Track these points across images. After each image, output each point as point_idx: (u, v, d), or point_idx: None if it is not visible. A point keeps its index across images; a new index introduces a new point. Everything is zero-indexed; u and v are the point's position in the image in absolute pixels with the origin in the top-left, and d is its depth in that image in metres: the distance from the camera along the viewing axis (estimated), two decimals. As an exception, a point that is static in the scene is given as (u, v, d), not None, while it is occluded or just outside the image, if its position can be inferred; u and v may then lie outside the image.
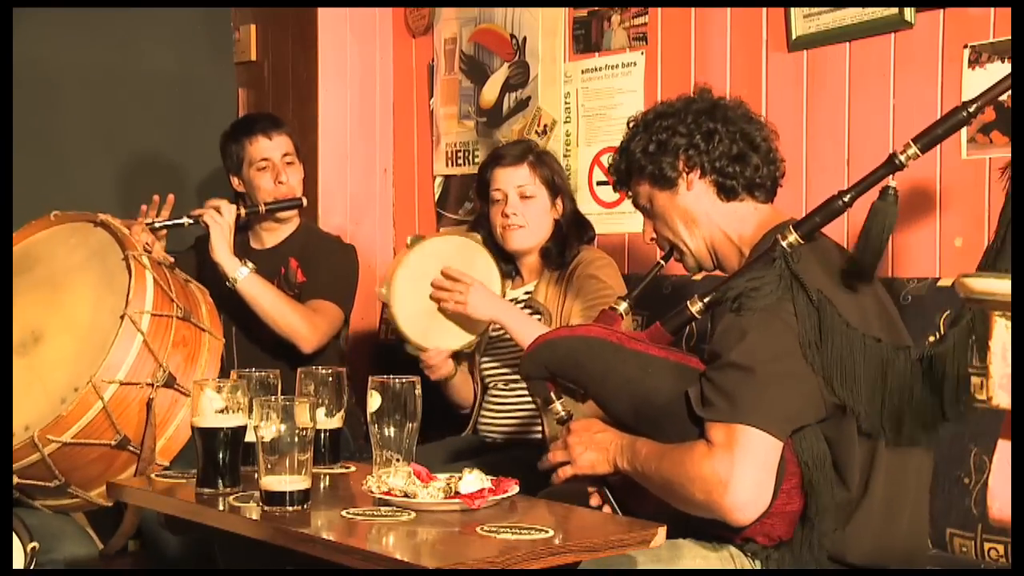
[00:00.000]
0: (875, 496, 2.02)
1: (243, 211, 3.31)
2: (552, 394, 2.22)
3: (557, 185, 3.09)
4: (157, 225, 3.21)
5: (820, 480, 1.96)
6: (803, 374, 1.95)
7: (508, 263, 3.14)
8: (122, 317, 2.69)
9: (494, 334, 3.09)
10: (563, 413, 2.23)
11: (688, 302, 2.15)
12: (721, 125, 2.20)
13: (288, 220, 3.47)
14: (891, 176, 2.01)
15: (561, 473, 2.19)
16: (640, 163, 2.26)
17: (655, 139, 2.23)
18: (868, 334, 1.97)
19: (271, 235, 3.48)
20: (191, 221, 3.25)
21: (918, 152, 1.99)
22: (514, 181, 3.04)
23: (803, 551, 2.00)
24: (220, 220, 3.21)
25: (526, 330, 2.80)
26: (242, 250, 3.42)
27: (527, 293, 3.09)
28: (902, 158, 1.99)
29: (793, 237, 2.02)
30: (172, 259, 3.08)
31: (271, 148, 3.40)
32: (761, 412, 1.91)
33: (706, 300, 2.12)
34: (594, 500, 2.21)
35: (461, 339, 3.05)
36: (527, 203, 3.04)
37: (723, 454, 1.91)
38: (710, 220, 2.23)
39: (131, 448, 2.72)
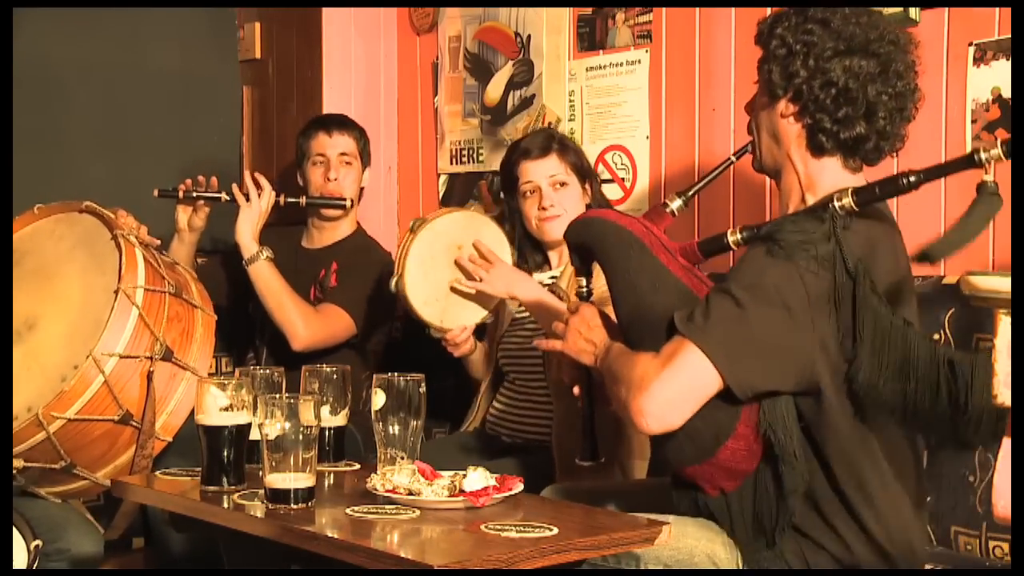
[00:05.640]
0: (872, 484, 2.00)
1: (284, 200, 3.34)
2: (583, 267, 2.27)
3: (585, 169, 3.09)
4: (195, 195, 3.27)
5: (790, 450, 1.94)
6: (797, 335, 1.91)
7: (536, 251, 3.14)
8: (116, 292, 2.70)
9: (518, 315, 3.10)
10: (584, 289, 2.29)
11: (728, 231, 2.12)
12: (852, 80, 2.00)
13: (338, 222, 3.49)
14: (985, 170, 1.87)
15: (551, 343, 2.27)
16: (764, 54, 2.11)
17: (788, 45, 2.05)
18: (899, 315, 1.90)
19: (321, 236, 3.52)
20: (227, 197, 3.28)
21: (1001, 155, 1.86)
22: (545, 172, 3.03)
23: (762, 511, 2.00)
24: (253, 202, 3.24)
25: (543, 305, 2.80)
26: (291, 247, 3.45)
27: (552, 278, 3.09)
28: (983, 156, 1.87)
29: (847, 201, 1.95)
30: (158, 241, 3.10)
31: (328, 144, 3.44)
32: (720, 343, 1.90)
33: (744, 235, 2.09)
34: (576, 391, 2.29)
35: (479, 312, 3.04)
36: (561, 192, 3.03)
37: (658, 363, 1.93)
38: (787, 154, 2.12)
39: (134, 423, 2.72)
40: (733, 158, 2.31)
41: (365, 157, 3.53)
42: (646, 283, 2.05)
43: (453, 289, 2.98)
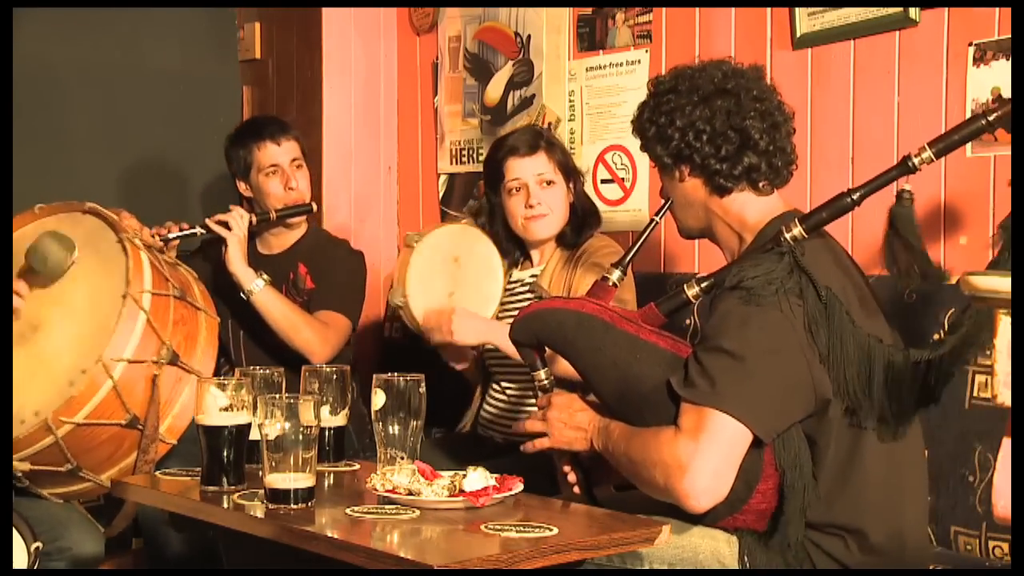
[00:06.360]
0: (870, 485, 2.02)
1: (255, 219, 3.31)
2: (538, 362, 2.24)
3: (570, 168, 3.09)
4: (170, 236, 3.22)
5: (797, 483, 1.97)
6: (795, 371, 1.95)
7: (517, 247, 3.14)
8: (124, 297, 2.70)
9: (500, 316, 3.10)
10: (546, 382, 2.26)
11: (685, 285, 2.14)
12: (720, 119, 2.12)
13: (297, 225, 3.46)
14: (906, 179, 1.99)
15: (538, 443, 2.23)
16: (643, 143, 2.25)
17: (656, 123, 2.19)
18: (872, 334, 1.97)
19: (279, 240, 3.46)
20: (204, 231, 3.25)
21: (932, 156, 1.96)
22: (533, 170, 3.02)
23: (776, 545, 2.01)
24: (234, 231, 3.21)
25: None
26: (250, 255, 3.42)
27: (533, 276, 3.09)
28: (915, 161, 1.97)
29: (798, 230, 2.01)
30: (161, 244, 3.08)
31: (280, 154, 3.37)
32: (739, 400, 1.91)
33: (703, 285, 2.12)
34: (571, 477, 2.25)
35: None
36: (548, 190, 3.02)
37: (688, 439, 1.91)
38: (707, 209, 2.21)
39: (140, 427, 2.73)
40: (656, 219, 2.36)
41: (307, 153, 3.50)
42: (626, 356, 2.06)
43: (454, 302, 2.99)
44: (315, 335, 3.21)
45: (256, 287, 3.17)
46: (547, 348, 2.23)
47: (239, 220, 3.23)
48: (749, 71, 2.19)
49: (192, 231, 3.24)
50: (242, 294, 3.19)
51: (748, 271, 1.98)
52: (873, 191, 2.04)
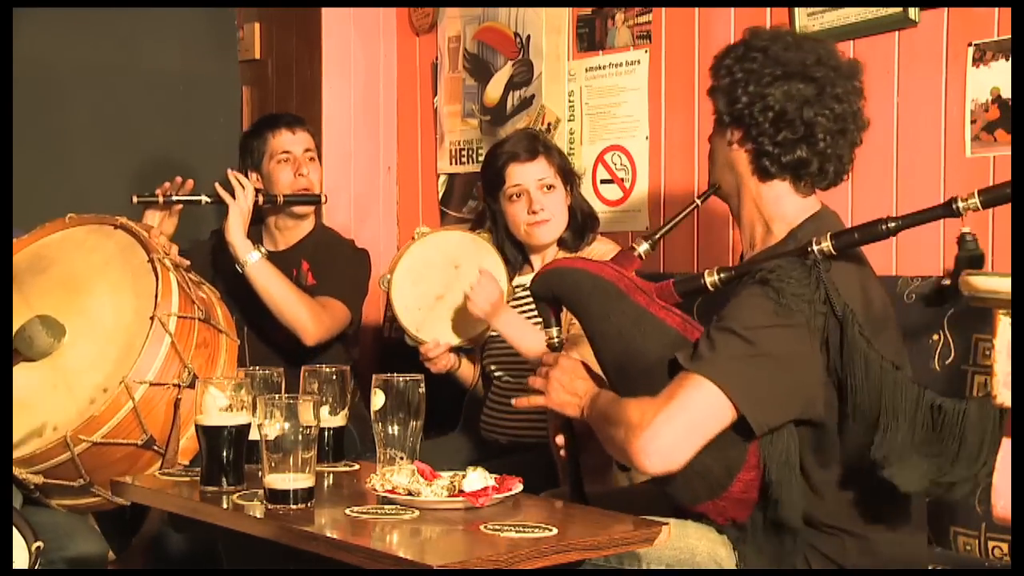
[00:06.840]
0: (869, 486, 2.01)
1: (261, 198, 3.30)
2: (552, 319, 2.26)
3: (567, 171, 3.09)
4: (174, 199, 3.22)
5: (789, 480, 1.95)
6: (801, 376, 1.93)
7: (519, 253, 3.14)
8: (151, 319, 2.70)
9: (492, 332, 3.10)
10: (555, 340, 2.27)
11: (705, 271, 2.13)
12: (789, 103, 2.04)
13: (304, 220, 3.46)
14: (962, 222, 1.93)
15: (532, 399, 2.24)
16: (712, 87, 2.17)
17: (732, 75, 2.11)
18: (887, 358, 1.94)
19: (285, 236, 3.46)
20: (208, 199, 3.24)
21: (978, 204, 1.91)
22: (534, 175, 3.01)
23: (766, 540, 2.01)
24: (239, 201, 3.20)
25: (520, 335, 2.80)
26: None
27: None
28: (961, 205, 1.92)
29: (826, 245, 1.98)
30: (188, 262, 3.08)
31: (293, 142, 3.41)
32: (736, 378, 1.89)
33: (722, 276, 2.10)
34: (560, 439, 2.27)
35: (460, 335, 3.05)
36: (549, 195, 3.02)
37: (662, 400, 1.90)
38: (744, 181, 2.15)
39: (155, 448, 2.73)
40: (698, 201, 2.31)
41: (319, 153, 3.52)
42: (630, 327, 2.05)
43: (441, 306, 2.98)
44: (307, 312, 3.19)
45: (251, 258, 3.15)
46: (563, 309, 2.25)
47: (245, 194, 3.22)
48: (845, 66, 2.11)
49: (197, 197, 3.24)
50: (237, 266, 3.17)
51: (778, 271, 1.96)
52: (910, 226, 2.00)
